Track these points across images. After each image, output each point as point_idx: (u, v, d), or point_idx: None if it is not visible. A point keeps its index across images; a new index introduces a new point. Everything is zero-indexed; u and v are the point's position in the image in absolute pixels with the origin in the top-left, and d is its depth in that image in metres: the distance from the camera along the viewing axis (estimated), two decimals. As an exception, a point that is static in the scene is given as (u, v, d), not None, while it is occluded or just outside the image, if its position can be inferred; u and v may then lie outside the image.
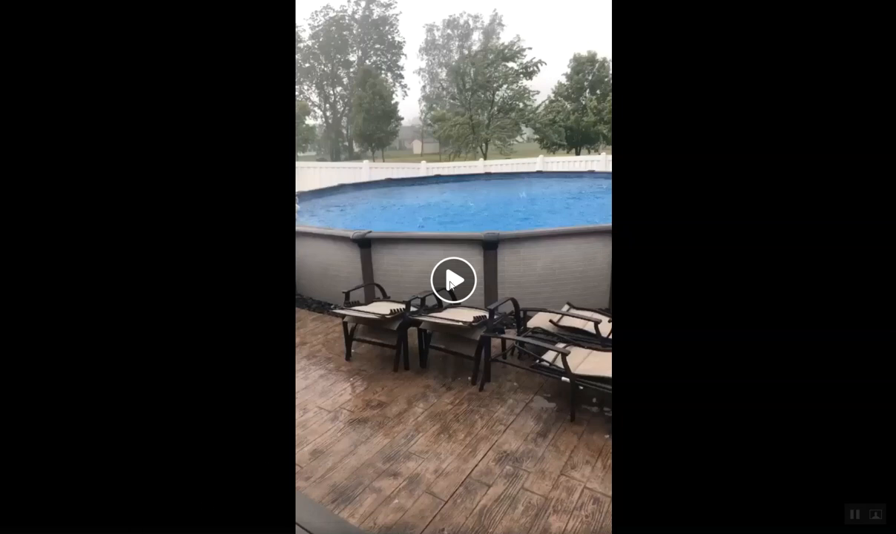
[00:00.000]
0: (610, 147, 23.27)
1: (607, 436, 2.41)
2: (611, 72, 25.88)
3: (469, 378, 3.06)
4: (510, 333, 3.32)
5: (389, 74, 41.49)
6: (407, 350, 3.28)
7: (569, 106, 25.35)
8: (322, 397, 2.94)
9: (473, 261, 3.97)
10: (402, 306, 3.34)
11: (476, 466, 2.23)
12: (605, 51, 26.18)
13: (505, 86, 24.81)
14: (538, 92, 25.13)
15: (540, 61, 24.08)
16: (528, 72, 24.26)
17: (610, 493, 2.01)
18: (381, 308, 3.41)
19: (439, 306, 3.60)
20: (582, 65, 25.46)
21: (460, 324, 3.05)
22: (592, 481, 2.10)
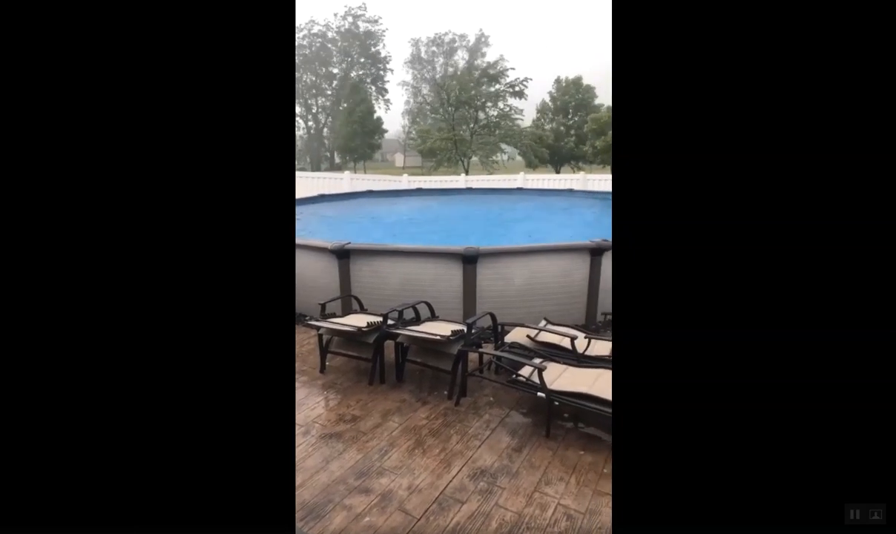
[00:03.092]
0: (588, 167, 23.85)
1: (581, 452, 2.41)
2: (594, 95, 26.70)
3: (445, 393, 3.03)
4: (488, 348, 3.31)
5: (373, 88, 41.69)
6: (383, 364, 3.24)
7: (552, 126, 25.89)
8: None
9: (453, 275, 3.97)
10: (380, 319, 3.30)
11: (450, 482, 2.20)
12: (589, 73, 26.97)
13: (490, 105, 25.19)
14: (522, 110, 25.58)
15: (527, 78, 24.55)
16: (516, 91, 24.71)
17: (583, 509, 2.01)
18: (358, 321, 3.36)
19: (417, 319, 3.57)
20: (567, 87, 26.10)
21: (438, 338, 3.03)
22: (566, 497, 2.09)
